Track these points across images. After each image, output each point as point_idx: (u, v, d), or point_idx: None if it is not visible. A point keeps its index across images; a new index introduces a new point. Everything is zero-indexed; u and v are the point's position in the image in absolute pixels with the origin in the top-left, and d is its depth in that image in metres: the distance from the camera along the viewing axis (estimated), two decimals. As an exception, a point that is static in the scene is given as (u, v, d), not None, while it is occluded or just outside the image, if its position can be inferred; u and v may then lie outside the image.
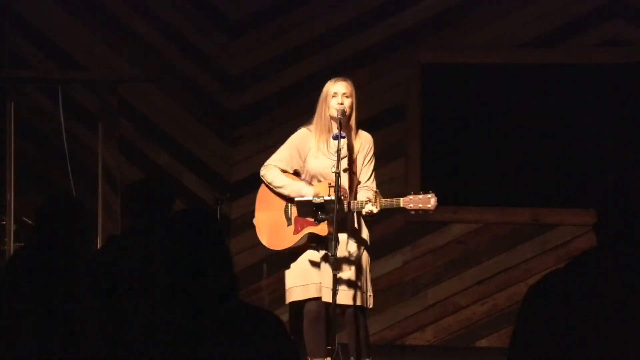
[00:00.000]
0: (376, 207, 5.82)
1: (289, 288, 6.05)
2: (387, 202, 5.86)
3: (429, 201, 5.83)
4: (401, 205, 5.85)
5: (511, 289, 8.38)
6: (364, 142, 6.10)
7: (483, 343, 8.43)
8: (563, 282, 3.20)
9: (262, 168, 6.20)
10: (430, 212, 5.88)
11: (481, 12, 8.44)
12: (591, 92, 8.34)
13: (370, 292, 6.05)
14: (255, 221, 6.19)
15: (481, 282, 8.46)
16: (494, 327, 8.39)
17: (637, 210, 3.21)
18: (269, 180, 6.14)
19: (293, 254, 6.07)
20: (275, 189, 6.13)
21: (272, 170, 6.14)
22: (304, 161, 6.10)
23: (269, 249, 6.17)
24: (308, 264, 5.98)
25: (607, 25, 8.32)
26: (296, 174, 6.15)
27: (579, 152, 8.35)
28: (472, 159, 8.50)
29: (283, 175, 6.11)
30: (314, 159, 6.03)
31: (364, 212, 5.88)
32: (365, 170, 6.08)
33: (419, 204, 5.82)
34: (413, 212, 5.88)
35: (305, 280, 5.98)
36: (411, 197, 5.85)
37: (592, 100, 8.34)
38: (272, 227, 6.11)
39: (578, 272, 3.19)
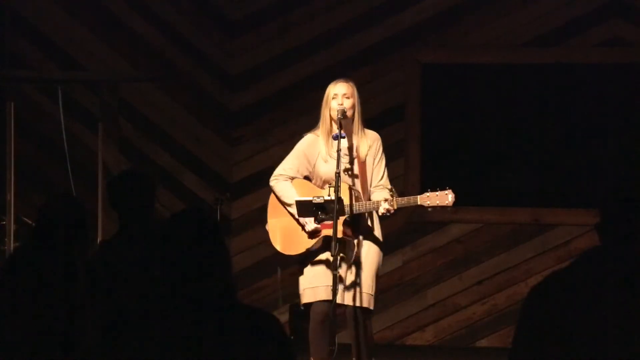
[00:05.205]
0: (393, 206, 5.83)
1: (302, 290, 6.03)
2: (404, 200, 5.88)
3: (447, 197, 5.87)
4: (418, 203, 5.87)
5: (511, 289, 8.39)
6: (371, 141, 6.07)
7: (483, 343, 8.43)
8: (564, 283, 3.20)
9: (271, 178, 6.12)
10: (449, 207, 5.93)
11: (481, 12, 8.44)
12: (591, 92, 8.34)
13: (372, 292, 6.03)
14: (268, 227, 6.18)
15: (481, 282, 8.46)
16: (494, 327, 8.39)
17: (638, 211, 3.20)
18: (278, 194, 6.07)
19: (304, 257, 6.06)
20: (283, 204, 6.09)
21: (281, 183, 6.07)
22: (314, 167, 6.06)
23: (281, 253, 6.14)
24: (318, 266, 5.97)
25: (607, 25, 8.32)
26: (307, 177, 6.13)
27: (579, 152, 8.35)
28: (472, 159, 8.50)
29: (293, 191, 6.03)
30: (325, 163, 6.00)
31: (380, 212, 5.87)
32: (377, 169, 6.06)
33: (437, 200, 5.86)
34: (430, 209, 5.93)
35: (314, 282, 5.97)
36: (428, 194, 5.87)
37: (592, 100, 8.34)
38: (285, 233, 6.07)
39: (579, 272, 3.19)
